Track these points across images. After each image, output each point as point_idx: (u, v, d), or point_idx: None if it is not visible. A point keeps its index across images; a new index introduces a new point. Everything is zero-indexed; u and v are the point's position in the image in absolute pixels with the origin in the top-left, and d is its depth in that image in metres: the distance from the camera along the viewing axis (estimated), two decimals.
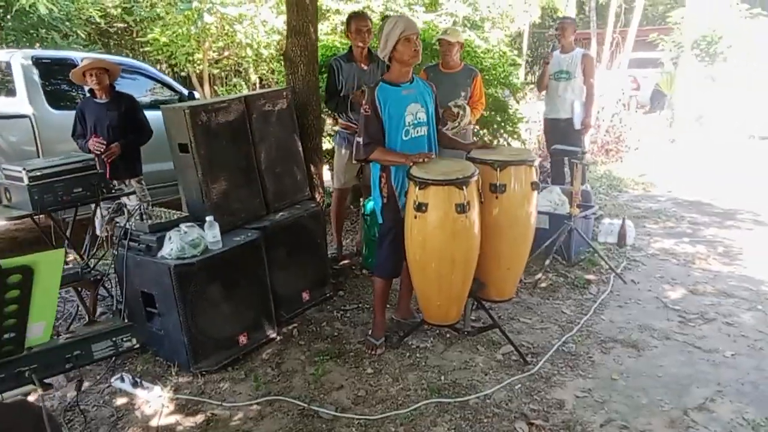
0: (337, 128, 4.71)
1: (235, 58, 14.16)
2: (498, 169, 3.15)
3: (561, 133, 5.62)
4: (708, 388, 2.95)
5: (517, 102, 6.66)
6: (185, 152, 3.43)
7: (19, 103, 5.12)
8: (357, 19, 4.43)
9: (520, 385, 3.02)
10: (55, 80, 5.57)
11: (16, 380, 1.67)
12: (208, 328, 3.24)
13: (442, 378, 3.12)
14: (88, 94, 4.61)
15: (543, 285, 4.23)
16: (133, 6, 12.08)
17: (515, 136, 6.35)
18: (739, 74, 10.97)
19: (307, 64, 4.20)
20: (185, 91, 6.70)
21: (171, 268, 3.06)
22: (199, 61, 13.27)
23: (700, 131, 11.20)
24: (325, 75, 4.68)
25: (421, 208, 2.95)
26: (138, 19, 12.72)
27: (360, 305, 4.00)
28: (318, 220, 4.03)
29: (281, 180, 3.92)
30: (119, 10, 12.68)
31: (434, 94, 3.40)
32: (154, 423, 2.84)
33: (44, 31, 10.38)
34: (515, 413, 2.80)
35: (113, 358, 3.23)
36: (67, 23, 10.91)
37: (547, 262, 4.39)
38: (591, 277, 4.37)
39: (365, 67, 4.47)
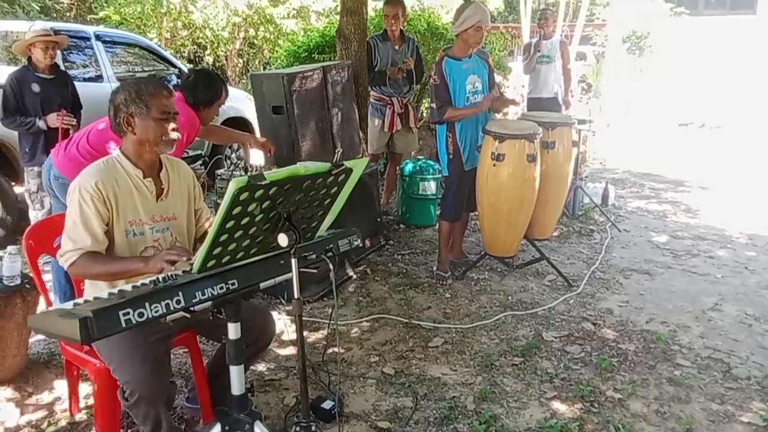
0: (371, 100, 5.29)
1: (190, 40, 14.17)
2: (549, 129, 3.89)
3: (543, 109, 6.44)
4: (713, 297, 3.84)
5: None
6: (279, 113, 3.94)
7: None
8: (386, 6, 5.04)
9: (573, 301, 3.79)
10: None
11: (301, 263, 2.20)
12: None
13: (509, 298, 3.83)
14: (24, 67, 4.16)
15: (556, 233, 5.03)
16: None
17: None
18: (664, 67, 12.44)
19: (359, 41, 4.76)
20: (184, 68, 6.97)
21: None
22: (155, 41, 13.21)
23: (628, 117, 12.55)
24: None
25: (499, 157, 3.64)
26: None
27: (413, 251, 4.64)
28: (374, 178, 4.62)
29: (345, 142, 4.47)
30: None
31: (488, 66, 4.08)
32: (285, 337, 3.36)
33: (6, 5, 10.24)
34: (577, 318, 3.56)
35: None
36: None
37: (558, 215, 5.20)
38: (592, 227, 5.23)
39: (398, 47, 5.09)
